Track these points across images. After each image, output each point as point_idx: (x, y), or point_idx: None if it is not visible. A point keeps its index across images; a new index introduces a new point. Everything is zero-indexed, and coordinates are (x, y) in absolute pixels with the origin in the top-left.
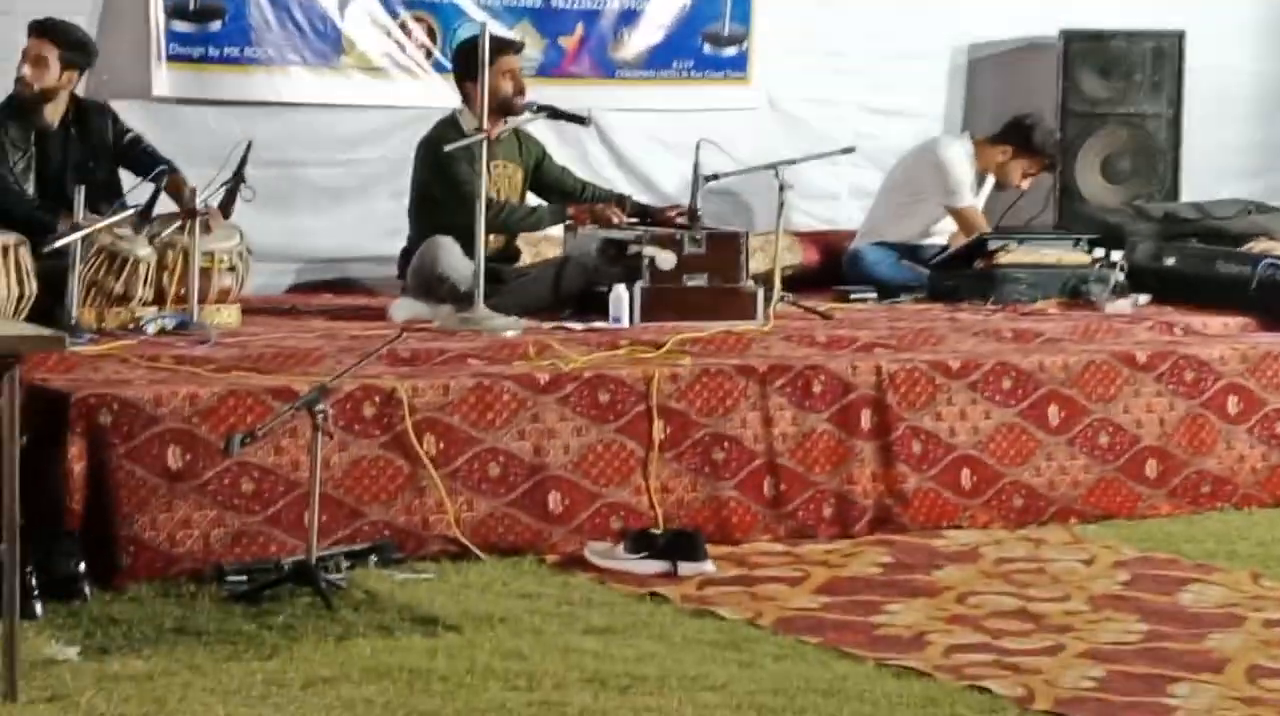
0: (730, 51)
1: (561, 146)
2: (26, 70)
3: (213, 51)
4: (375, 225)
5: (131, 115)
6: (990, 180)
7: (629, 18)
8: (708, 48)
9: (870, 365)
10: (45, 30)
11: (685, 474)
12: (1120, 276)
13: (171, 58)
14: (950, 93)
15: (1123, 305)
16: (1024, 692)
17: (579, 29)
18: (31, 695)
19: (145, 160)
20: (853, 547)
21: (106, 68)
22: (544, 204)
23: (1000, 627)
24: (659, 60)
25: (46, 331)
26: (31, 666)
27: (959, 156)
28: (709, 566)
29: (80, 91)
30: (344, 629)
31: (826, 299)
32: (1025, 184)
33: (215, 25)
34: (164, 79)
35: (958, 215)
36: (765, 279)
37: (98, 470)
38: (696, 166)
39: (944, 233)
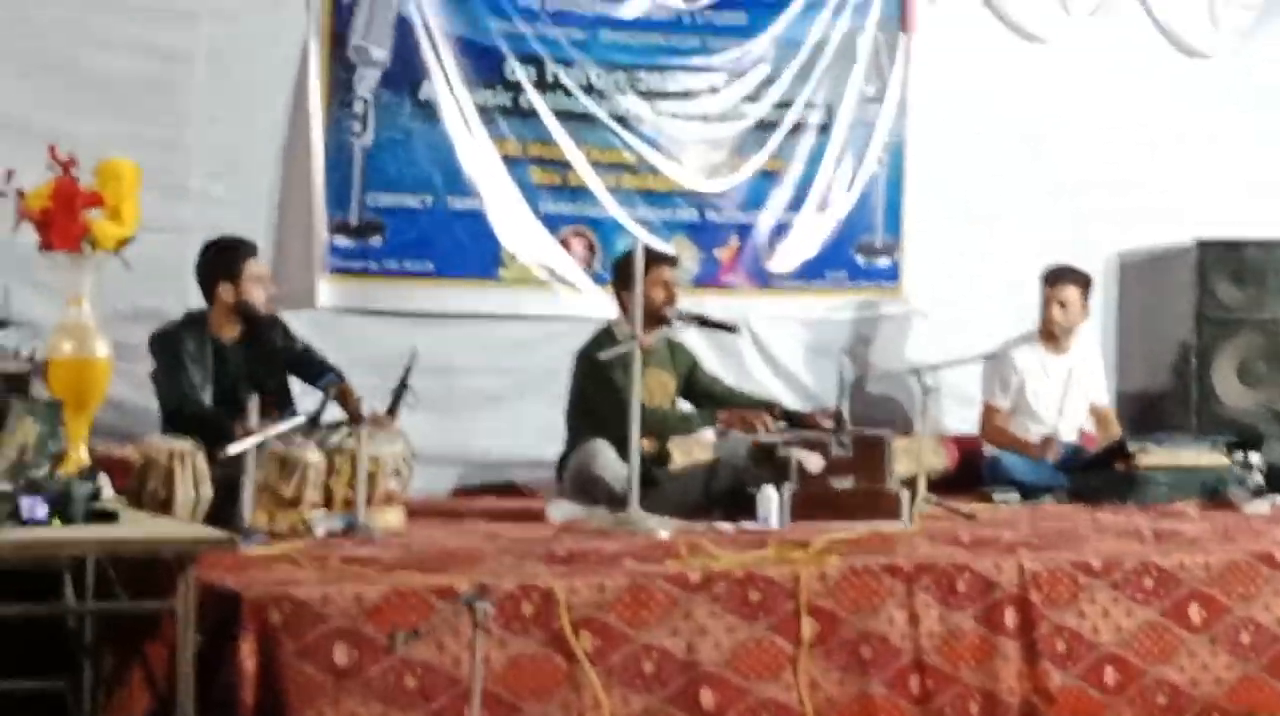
0: (883, 262)
1: (718, 355)
2: (264, 295)
3: (373, 265)
4: (533, 430)
5: (296, 324)
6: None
7: (782, 230)
8: (860, 258)
9: (1014, 564)
10: (256, 253)
11: (834, 671)
12: (1259, 477)
13: (334, 270)
14: (1101, 301)
15: (1261, 506)
16: None
17: (733, 241)
18: None
19: (315, 368)
20: None
21: (278, 280)
22: (695, 412)
23: None
24: (812, 271)
25: (220, 533)
26: None
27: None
28: None
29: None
30: None
31: (969, 500)
32: (1069, 317)
33: (376, 240)
34: (327, 291)
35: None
36: (910, 481)
37: (269, 667)
38: (841, 373)
39: (1071, 431)
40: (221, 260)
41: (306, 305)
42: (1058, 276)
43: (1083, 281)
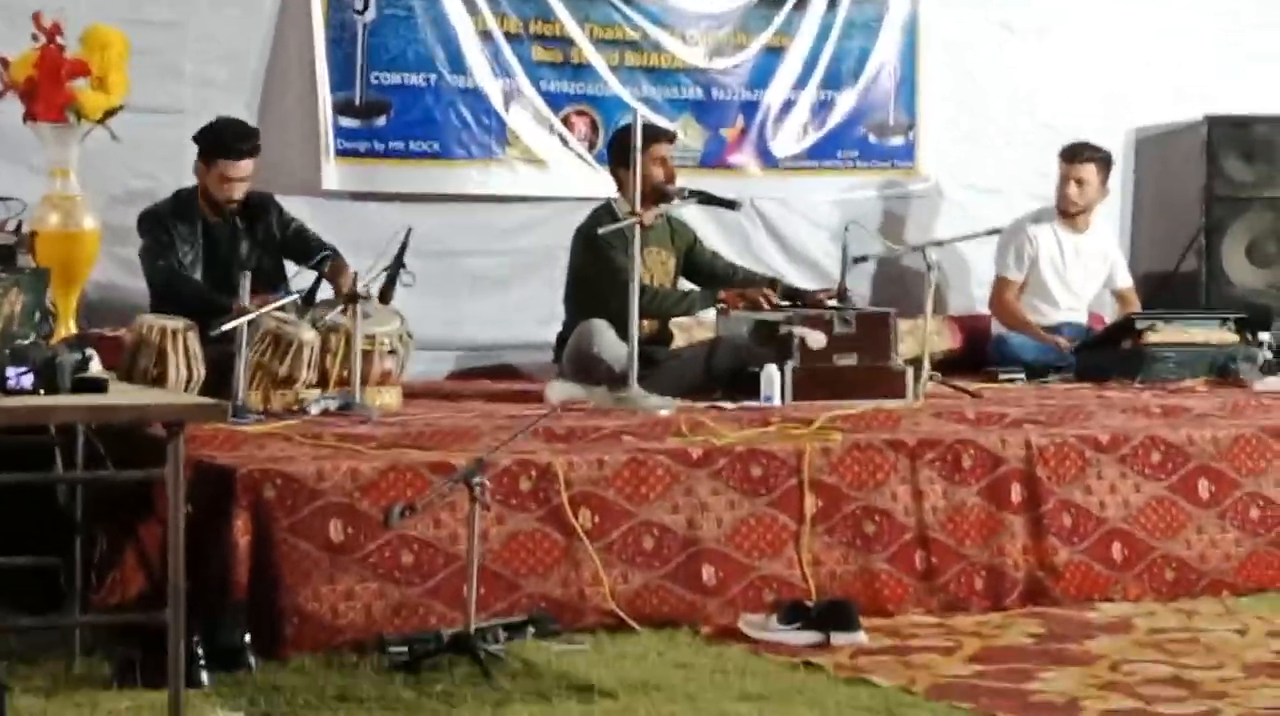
0: (897, 141)
1: (725, 236)
2: (237, 193)
3: (378, 146)
4: (534, 313)
5: (298, 208)
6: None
7: (789, 108)
8: (873, 137)
9: (1020, 439)
10: (244, 153)
11: (837, 547)
12: (1268, 354)
13: (340, 153)
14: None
15: (1272, 382)
16: None
17: (739, 121)
18: None
19: (308, 248)
20: (1004, 619)
21: (271, 163)
22: (696, 289)
23: (1154, 694)
24: (823, 150)
25: (210, 401)
26: None
27: (1004, 235)
28: (862, 637)
29: None
30: (501, 696)
31: (975, 380)
32: (1086, 195)
33: (381, 121)
34: (333, 174)
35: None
36: (915, 362)
37: (262, 543)
38: (845, 248)
39: (1080, 311)
40: (205, 147)
41: (311, 189)
42: (1075, 153)
43: (1101, 159)
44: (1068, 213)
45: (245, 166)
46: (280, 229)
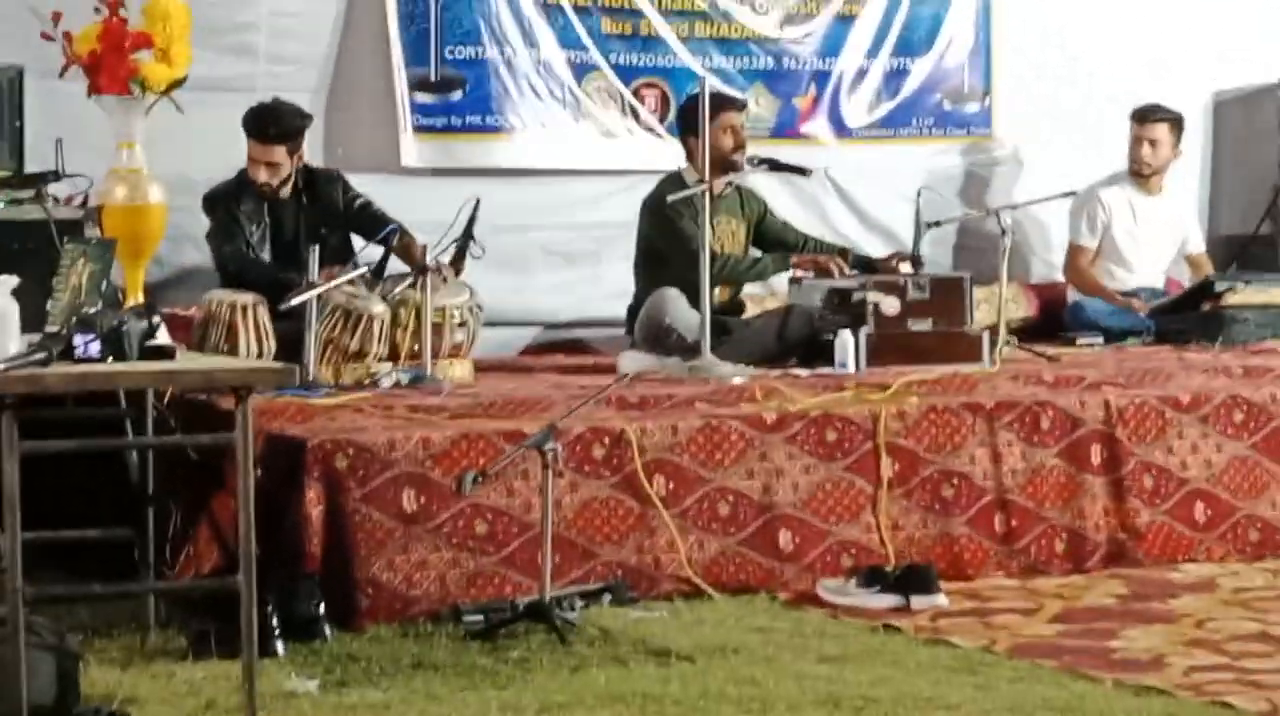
0: (972, 108)
1: (799, 206)
2: (264, 176)
3: (455, 121)
4: (606, 288)
5: (375, 185)
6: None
7: (862, 76)
8: (948, 104)
9: (1099, 400)
10: (270, 137)
11: (915, 511)
12: None
13: (417, 129)
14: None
15: None
16: (1269, 707)
17: (811, 90)
18: None
19: (375, 223)
20: (1087, 581)
21: (345, 140)
22: (768, 256)
23: (1241, 650)
24: (897, 119)
25: (280, 365)
26: (271, 698)
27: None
28: (942, 600)
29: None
30: (578, 661)
31: (1052, 346)
32: (1160, 156)
33: (457, 95)
34: (411, 149)
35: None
36: (991, 328)
37: (335, 514)
38: (918, 213)
39: (1156, 274)
40: (245, 126)
41: (388, 166)
42: (1146, 114)
43: (1173, 119)
44: (1140, 174)
45: (272, 151)
46: (345, 204)
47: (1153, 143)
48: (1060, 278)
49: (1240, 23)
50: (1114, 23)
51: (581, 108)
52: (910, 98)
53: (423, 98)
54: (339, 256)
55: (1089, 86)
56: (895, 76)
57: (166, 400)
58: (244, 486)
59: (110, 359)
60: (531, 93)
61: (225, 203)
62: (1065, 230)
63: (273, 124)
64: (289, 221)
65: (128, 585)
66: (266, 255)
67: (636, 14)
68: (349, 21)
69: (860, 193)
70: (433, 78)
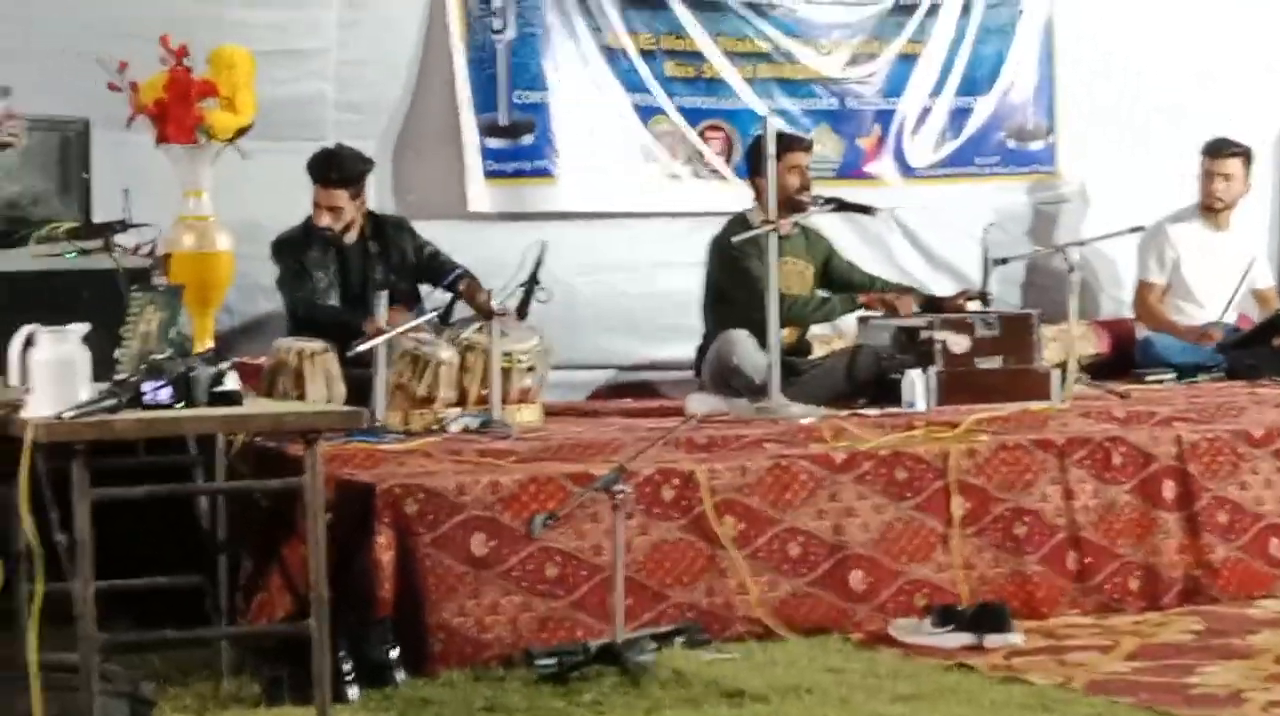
0: (1036, 146)
1: (866, 247)
2: (326, 220)
3: (525, 166)
4: (675, 332)
5: (438, 231)
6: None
7: (925, 115)
8: (1012, 143)
9: (1171, 436)
10: (332, 182)
11: (987, 549)
12: None
13: (489, 174)
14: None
15: None
16: None
17: (875, 130)
18: None
19: (442, 269)
20: (1162, 618)
21: (414, 187)
22: (835, 296)
23: None
24: (962, 157)
25: (349, 408)
26: None
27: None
28: (1016, 638)
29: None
30: (651, 703)
31: (1122, 383)
32: (1231, 192)
33: (527, 139)
34: (482, 195)
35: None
36: (1061, 365)
37: (405, 558)
38: (985, 250)
39: (1230, 313)
40: (309, 171)
41: (455, 212)
42: (1218, 148)
43: (1245, 153)
44: (1213, 208)
45: (334, 195)
46: (415, 252)
47: (1226, 177)
48: (1129, 314)
49: None
50: (1179, 57)
51: (647, 151)
52: (974, 136)
53: (492, 143)
54: (406, 302)
55: (1154, 122)
56: (959, 115)
57: (237, 448)
58: (314, 531)
59: (179, 405)
60: (599, 136)
61: (293, 249)
62: (1134, 266)
63: (334, 168)
64: (356, 268)
65: (200, 631)
66: (334, 301)
67: (699, 57)
68: (420, 69)
69: (926, 232)
70: (502, 121)
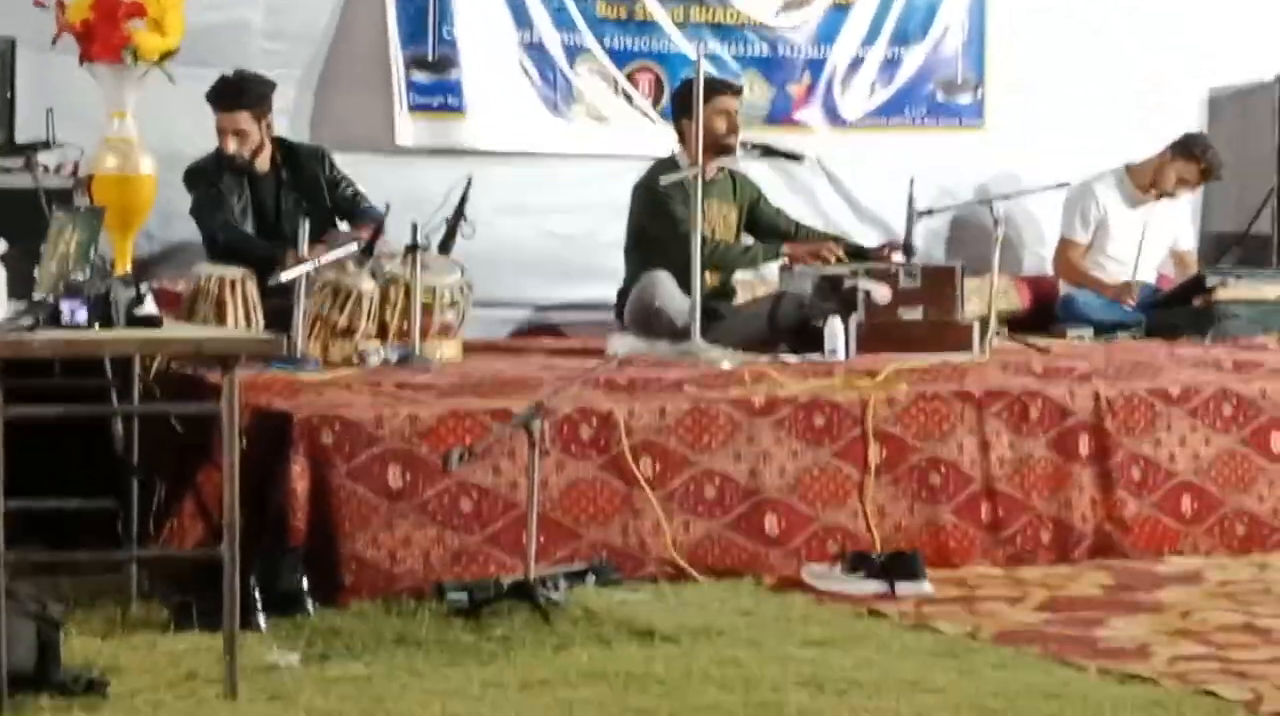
0: (965, 99)
1: (792, 194)
2: (233, 146)
3: (451, 100)
4: (596, 272)
5: (363, 164)
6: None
7: (856, 65)
8: (941, 95)
9: (1088, 391)
10: (233, 104)
11: (902, 498)
12: None
13: (414, 108)
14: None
15: None
16: (1252, 696)
17: (805, 77)
18: (252, 695)
19: (359, 212)
20: (1072, 571)
21: (341, 119)
22: (759, 242)
23: (1226, 641)
24: (890, 108)
25: (265, 335)
26: (253, 671)
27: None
28: (927, 587)
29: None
30: (561, 640)
31: (1042, 338)
32: (1179, 192)
33: (454, 74)
34: (407, 129)
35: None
36: (982, 319)
37: (320, 489)
38: (910, 202)
39: (1150, 273)
40: (208, 98)
41: (382, 145)
42: (1194, 151)
43: (1213, 174)
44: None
45: (236, 118)
46: (329, 185)
47: (1183, 182)
48: (1051, 271)
49: (1236, 20)
50: (1110, 18)
51: (574, 90)
52: (904, 87)
53: (419, 76)
54: (323, 231)
55: (1083, 81)
56: (890, 66)
57: (153, 373)
58: (229, 459)
59: (97, 325)
60: (524, 75)
61: (206, 177)
62: (1057, 224)
63: (232, 93)
64: (270, 196)
65: (110, 553)
66: (249, 229)
67: None
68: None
69: (853, 181)
70: (430, 56)
